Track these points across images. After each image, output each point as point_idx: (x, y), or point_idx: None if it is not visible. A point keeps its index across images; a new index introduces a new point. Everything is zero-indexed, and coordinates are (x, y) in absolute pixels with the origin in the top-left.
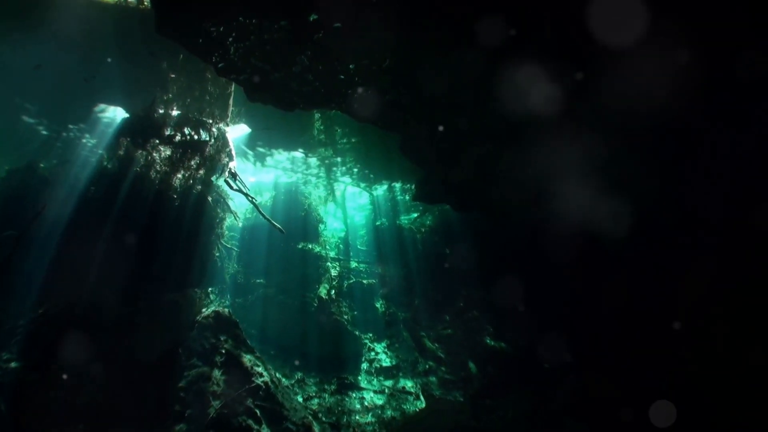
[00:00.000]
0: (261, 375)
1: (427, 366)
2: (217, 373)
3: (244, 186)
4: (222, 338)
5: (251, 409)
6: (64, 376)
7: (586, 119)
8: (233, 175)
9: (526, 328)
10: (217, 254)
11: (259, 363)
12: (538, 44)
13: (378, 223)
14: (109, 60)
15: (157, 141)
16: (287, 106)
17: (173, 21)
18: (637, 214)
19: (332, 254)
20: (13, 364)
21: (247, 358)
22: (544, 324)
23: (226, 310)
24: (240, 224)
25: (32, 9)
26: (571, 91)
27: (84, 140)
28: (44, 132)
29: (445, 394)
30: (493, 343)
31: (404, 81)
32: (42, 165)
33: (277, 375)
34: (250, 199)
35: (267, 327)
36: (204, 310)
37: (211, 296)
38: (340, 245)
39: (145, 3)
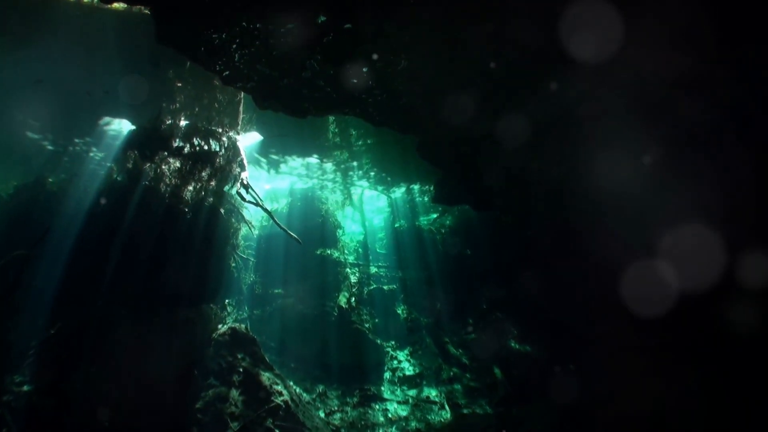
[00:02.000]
0: (281, 393)
1: (452, 373)
2: (235, 393)
3: (258, 197)
4: (239, 356)
5: (271, 431)
6: (78, 400)
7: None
8: (245, 186)
9: (549, 330)
10: (234, 265)
11: (278, 381)
12: None
13: (397, 225)
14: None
15: (166, 153)
16: (299, 113)
17: (173, 29)
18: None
19: (351, 259)
20: (25, 388)
21: (265, 377)
22: (568, 324)
23: (243, 326)
24: (255, 233)
25: (32, 24)
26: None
27: (91, 154)
28: (50, 147)
29: (470, 403)
30: (518, 346)
31: (420, 83)
32: (51, 180)
33: (298, 390)
34: (264, 209)
35: (286, 338)
36: (220, 326)
37: (229, 308)
38: (359, 249)
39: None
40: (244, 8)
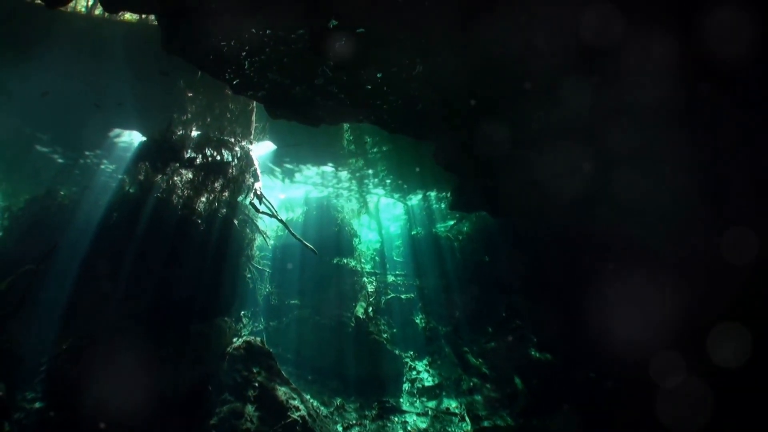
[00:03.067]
0: (297, 409)
1: (472, 383)
2: (250, 409)
3: (272, 207)
4: (254, 370)
5: None
6: (89, 417)
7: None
8: (259, 197)
9: (568, 336)
10: (249, 276)
11: (294, 395)
12: None
13: (414, 232)
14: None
15: (177, 164)
16: (312, 121)
17: (180, 37)
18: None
19: (368, 268)
20: (37, 405)
21: (281, 391)
22: (587, 330)
23: (258, 339)
24: (271, 243)
25: (40, 37)
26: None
27: (102, 166)
28: (60, 160)
29: (491, 415)
30: (537, 354)
31: (437, 88)
32: (62, 192)
33: (315, 404)
34: (279, 219)
35: (303, 350)
36: (235, 339)
37: (244, 320)
38: (376, 258)
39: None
40: (252, 14)
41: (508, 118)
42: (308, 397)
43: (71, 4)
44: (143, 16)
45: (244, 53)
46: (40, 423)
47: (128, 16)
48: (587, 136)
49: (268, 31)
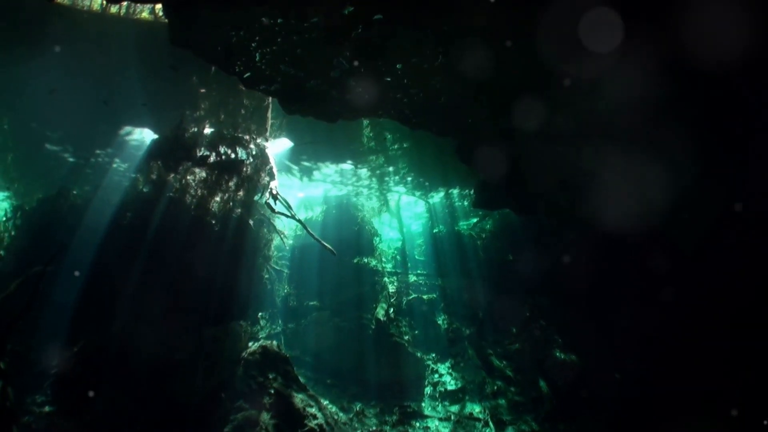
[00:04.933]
0: (315, 417)
1: (495, 387)
2: (265, 417)
3: (289, 206)
4: (270, 376)
5: None
6: (100, 423)
7: None
8: (275, 196)
9: (594, 337)
10: (267, 277)
11: (312, 402)
12: None
13: (435, 230)
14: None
15: (190, 163)
16: (329, 117)
17: (187, 28)
18: None
19: (389, 267)
20: (47, 408)
21: (298, 398)
22: (613, 332)
23: (275, 343)
24: (287, 244)
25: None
26: None
27: (115, 165)
28: (71, 159)
29: (515, 420)
30: (563, 356)
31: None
32: (74, 192)
33: (334, 409)
34: (297, 219)
35: (321, 353)
36: (251, 343)
37: (262, 322)
38: (397, 257)
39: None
40: (262, 1)
41: (540, 112)
42: (326, 402)
43: (85, 2)
44: (158, 14)
45: (254, 44)
46: (49, 427)
47: (145, 14)
48: (635, 132)
49: (279, 20)
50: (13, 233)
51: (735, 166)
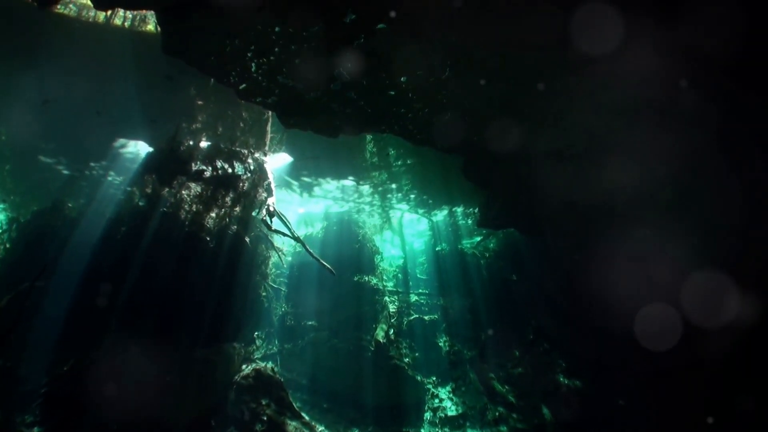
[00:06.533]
0: None
1: (497, 413)
2: None
3: (287, 223)
4: (264, 402)
5: None
6: None
7: None
8: (271, 214)
9: (598, 362)
10: (264, 295)
11: (306, 430)
12: None
13: (438, 248)
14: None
15: (185, 177)
16: (330, 132)
17: (179, 36)
18: None
19: (390, 286)
20: (36, 430)
21: (292, 426)
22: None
23: (269, 367)
24: (287, 260)
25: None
26: None
27: (109, 178)
28: (65, 171)
29: None
30: (566, 381)
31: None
32: (70, 204)
33: None
34: (295, 237)
35: (318, 375)
36: (244, 366)
37: (258, 341)
38: (398, 275)
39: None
40: (258, 8)
41: (552, 128)
42: (322, 428)
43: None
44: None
45: (249, 54)
46: None
47: (150, 27)
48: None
49: (276, 28)
50: (8, 245)
51: None
